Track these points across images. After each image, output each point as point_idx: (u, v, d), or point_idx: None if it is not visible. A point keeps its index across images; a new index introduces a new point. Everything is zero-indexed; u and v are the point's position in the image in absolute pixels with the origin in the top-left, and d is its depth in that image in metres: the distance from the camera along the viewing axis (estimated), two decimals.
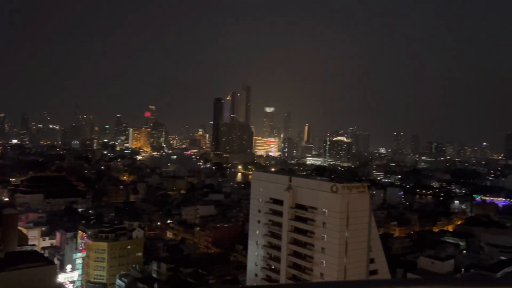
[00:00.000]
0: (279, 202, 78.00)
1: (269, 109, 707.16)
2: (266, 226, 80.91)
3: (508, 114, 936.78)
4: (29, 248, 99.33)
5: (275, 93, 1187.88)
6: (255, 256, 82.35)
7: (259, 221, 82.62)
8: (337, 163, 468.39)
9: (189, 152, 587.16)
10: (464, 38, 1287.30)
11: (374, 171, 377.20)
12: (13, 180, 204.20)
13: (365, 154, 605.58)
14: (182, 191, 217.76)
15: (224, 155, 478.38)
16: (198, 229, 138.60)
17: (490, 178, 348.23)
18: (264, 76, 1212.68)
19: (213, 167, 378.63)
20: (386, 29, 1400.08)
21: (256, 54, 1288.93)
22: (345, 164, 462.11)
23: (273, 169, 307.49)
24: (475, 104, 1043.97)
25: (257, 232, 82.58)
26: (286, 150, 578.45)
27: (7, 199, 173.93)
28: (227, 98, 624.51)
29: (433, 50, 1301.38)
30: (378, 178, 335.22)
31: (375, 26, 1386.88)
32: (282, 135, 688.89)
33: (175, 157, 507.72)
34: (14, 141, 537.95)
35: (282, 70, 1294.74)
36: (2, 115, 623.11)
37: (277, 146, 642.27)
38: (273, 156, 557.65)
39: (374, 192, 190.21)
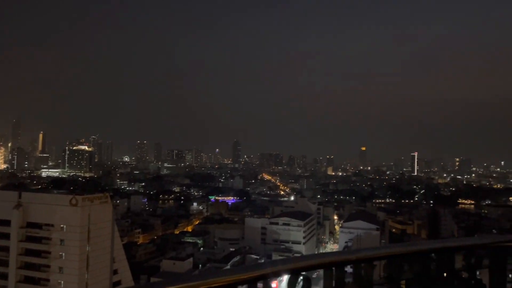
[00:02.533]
0: (6, 222, 67.36)
1: None
2: None
3: (234, 124, 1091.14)
4: None
5: None
6: None
7: None
8: (78, 174, 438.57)
9: None
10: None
11: (118, 180, 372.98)
12: None
13: (109, 163, 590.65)
14: None
15: None
16: None
17: (222, 180, 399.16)
18: None
19: None
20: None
21: None
22: (87, 174, 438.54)
23: None
24: (209, 114, 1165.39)
25: None
26: (15, 162, 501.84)
27: None
28: None
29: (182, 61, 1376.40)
30: (123, 187, 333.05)
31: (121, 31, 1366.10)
32: (9, 145, 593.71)
33: None
34: None
35: (9, 70, 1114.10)
36: None
37: (3, 157, 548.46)
38: None
39: (118, 201, 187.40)
